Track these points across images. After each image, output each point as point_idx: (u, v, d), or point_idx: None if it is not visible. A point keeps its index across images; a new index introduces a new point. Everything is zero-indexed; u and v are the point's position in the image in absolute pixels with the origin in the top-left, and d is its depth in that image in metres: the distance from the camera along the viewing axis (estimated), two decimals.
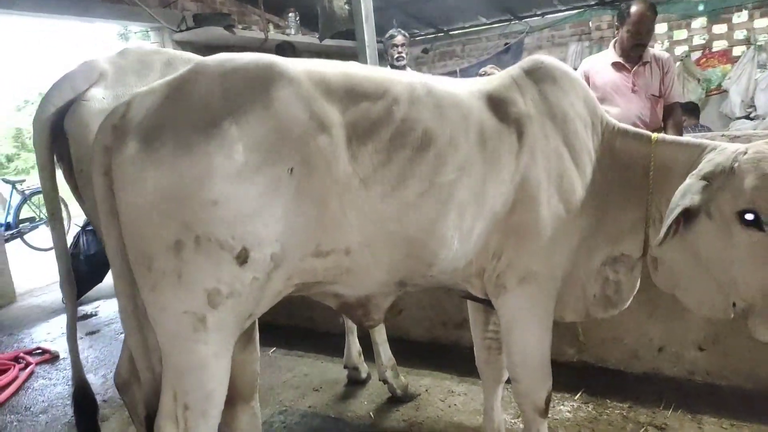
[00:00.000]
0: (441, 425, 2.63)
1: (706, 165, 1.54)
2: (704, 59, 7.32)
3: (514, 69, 1.86)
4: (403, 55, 4.79)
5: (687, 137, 1.76)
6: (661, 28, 7.58)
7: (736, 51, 7.07)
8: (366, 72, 1.65)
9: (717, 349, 2.69)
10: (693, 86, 7.56)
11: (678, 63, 7.36)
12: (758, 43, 6.84)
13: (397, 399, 2.85)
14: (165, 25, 5.91)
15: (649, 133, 1.80)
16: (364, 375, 3.05)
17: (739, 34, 7.14)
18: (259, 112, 1.39)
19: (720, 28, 7.20)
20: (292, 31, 6.96)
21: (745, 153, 1.48)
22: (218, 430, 1.73)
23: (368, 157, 1.50)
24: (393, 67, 4.78)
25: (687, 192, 1.50)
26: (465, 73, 7.91)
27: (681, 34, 7.63)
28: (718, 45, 7.29)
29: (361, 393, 2.98)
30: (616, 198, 1.78)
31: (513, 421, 2.61)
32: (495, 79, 1.86)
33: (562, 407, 2.69)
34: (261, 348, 3.58)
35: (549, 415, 2.59)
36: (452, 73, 8.06)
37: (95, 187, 1.41)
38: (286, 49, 5.60)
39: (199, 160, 1.32)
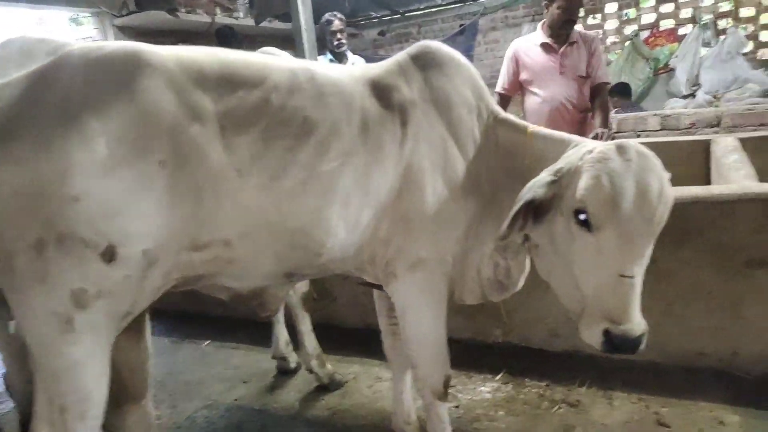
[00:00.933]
0: (364, 412, 2.64)
1: (561, 161, 1.53)
2: (652, 38, 7.39)
3: (402, 55, 1.85)
4: (343, 41, 4.71)
5: (558, 132, 1.74)
6: (611, 7, 7.63)
7: (683, 30, 7.15)
8: (245, 58, 1.61)
9: None
10: (642, 65, 7.65)
11: (628, 42, 7.44)
12: (703, 22, 6.93)
13: (324, 388, 2.86)
14: (105, 10, 5.74)
15: (525, 124, 1.79)
16: (293, 365, 3.05)
17: (686, 13, 7.22)
18: (123, 103, 1.35)
19: (667, 7, 7.27)
20: (241, 15, 6.82)
21: (591, 152, 1.46)
22: (106, 430, 1.72)
23: (244, 147, 1.47)
24: (333, 53, 4.72)
25: (533, 186, 1.49)
26: None
27: (632, 13, 7.69)
28: (666, 24, 7.36)
29: (289, 383, 2.98)
30: (502, 184, 1.79)
31: None
32: (381, 65, 1.85)
33: (482, 388, 2.73)
34: (195, 340, 3.62)
35: (469, 396, 2.67)
36: None
37: None
38: (226, 34, 5.48)
39: (58, 156, 1.28)
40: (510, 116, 1.85)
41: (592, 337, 1.45)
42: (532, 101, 3.90)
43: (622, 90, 6.13)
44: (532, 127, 1.75)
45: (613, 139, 3.50)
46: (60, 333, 1.34)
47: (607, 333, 1.39)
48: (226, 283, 1.64)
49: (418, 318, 1.80)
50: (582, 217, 1.43)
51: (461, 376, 2.84)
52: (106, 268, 1.34)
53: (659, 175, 1.41)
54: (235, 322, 3.70)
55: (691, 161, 3.35)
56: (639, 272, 1.41)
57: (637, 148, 1.44)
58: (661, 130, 4.63)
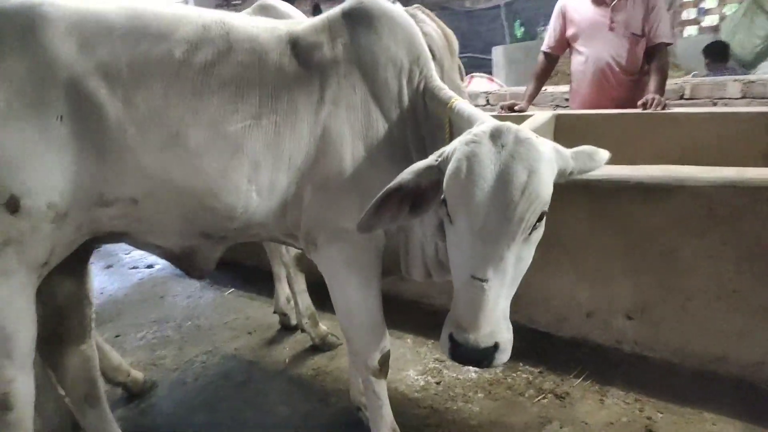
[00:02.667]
0: (346, 376, 2.62)
1: (451, 143, 1.32)
2: None
3: (334, 9, 1.68)
4: None
5: (477, 109, 1.50)
6: None
7: None
8: (157, 11, 1.54)
9: (646, 318, 2.48)
10: (762, 21, 6.72)
11: None
12: None
13: (316, 348, 2.87)
14: None
15: (450, 95, 1.56)
16: (294, 321, 3.09)
17: None
18: (19, 57, 1.35)
19: None
20: None
21: (469, 134, 1.26)
22: (52, 371, 1.84)
23: (145, 103, 1.43)
24: None
25: (405, 172, 1.31)
26: None
27: None
28: None
29: (287, 339, 3.03)
30: (435, 143, 1.61)
31: (417, 377, 2.57)
32: (310, 20, 1.70)
33: (471, 367, 2.61)
34: (220, 287, 3.77)
35: (455, 374, 2.57)
36: None
37: None
38: None
39: None
40: (439, 84, 1.62)
41: (441, 341, 1.24)
42: (576, 61, 3.54)
43: (716, 50, 5.36)
44: (455, 101, 1.52)
45: (664, 108, 3.11)
46: None
47: (451, 338, 1.20)
48: (153, 241, 1.65)
49: (344, 290, 1.71)
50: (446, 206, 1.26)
51: None
52: (11, 218, 1.38)
53: (532, 166, 1.17)
54: (261, 273, 3.79)
55: (753, 137, 2.87)
56: (495, 277, 1.17)
57: (519, 133, 1.22)
58: (742, 98, 4.00)
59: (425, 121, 1.62)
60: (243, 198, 1.54)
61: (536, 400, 2.34)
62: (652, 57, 3.27)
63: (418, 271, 1.78)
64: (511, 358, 2.58)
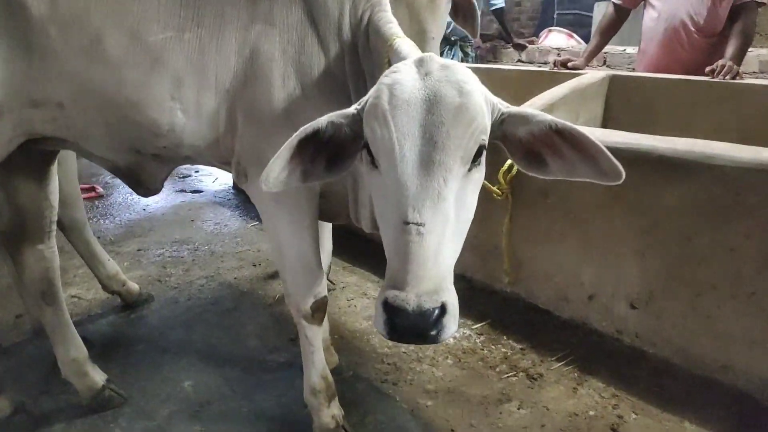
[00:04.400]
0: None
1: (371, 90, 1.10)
2: None
3: None
4: None
5: (419, 51, 1.24)
6: None
7: None
8: None
9: (650, 309, 2.19)
10: None
11: None
12: None
13: None
14: None
15: (393, 33, 1.34)
16: None
17: None
18: None
19: None
20: None
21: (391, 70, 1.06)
22: (14, 266, 1.95)
23: (68, 5, 1.41)
24: None
25: (322, 118, 1.12)
26: None
27: None
28: None
29: None
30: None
31: None
32: None
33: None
34: (246, 219, 3.85)
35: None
36: None
37: None
38: None
39: None
40: (387, 18, 1.40)
41: (375, 318, 0.97)
42: (648, 17, 3.11)
43: None
44: (398, 39, 1.31)
45: (735, 77, 2.68)
46: None
47: (386, 305, 0.92)
48: (93, 152, 1.66)
49: (275, 228, 1.63)
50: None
51: None
52: None
53: (462, 87, 0.99)
54: None
55: None
56: (434, 219, 0.96)
57: (445, 61, 1.04)
58: None
59: (366, 57, 1.45)
60: (167, 115, 1.49)
61: (505, 376, 2.18)
62: (736, 17, 2.79)
63: (366, 221, 1.65)
64: (496, 329, 2.50)
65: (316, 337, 1.78)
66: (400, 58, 1.22)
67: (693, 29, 2.87)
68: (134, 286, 2.73)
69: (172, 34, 1.43)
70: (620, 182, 1.09)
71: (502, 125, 1.13)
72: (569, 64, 3.26)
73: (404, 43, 1.30)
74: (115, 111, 1.50)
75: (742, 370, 1.98)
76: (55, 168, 1.90)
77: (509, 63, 5.28)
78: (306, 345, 1.78)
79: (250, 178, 1.57)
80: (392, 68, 1.06)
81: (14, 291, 2.71)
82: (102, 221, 3.90)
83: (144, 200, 4.32)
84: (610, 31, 3.32)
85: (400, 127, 0.98)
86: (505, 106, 1.13)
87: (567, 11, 10.15)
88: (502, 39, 5.56)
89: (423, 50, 1.28)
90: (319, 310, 1.73)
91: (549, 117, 1.09)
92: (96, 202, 4.28)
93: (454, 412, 1.99)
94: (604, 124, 3.27)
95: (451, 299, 0.95)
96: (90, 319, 2.63)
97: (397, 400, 2.06)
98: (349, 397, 2.04)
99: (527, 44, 5.31)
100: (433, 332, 0.91)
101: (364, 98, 1.10)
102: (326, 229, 2.25)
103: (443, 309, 0.92)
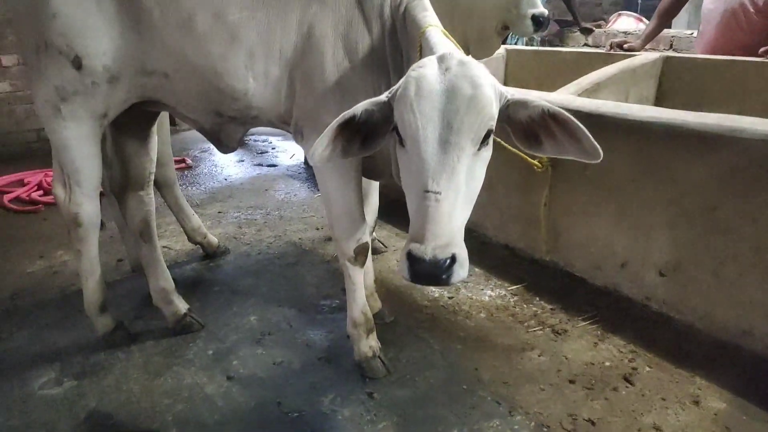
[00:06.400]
0: (375, 276, 2.88)
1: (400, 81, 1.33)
2: None
3: None
4: None
5: (446, 40, 1.47)
6: None
7: None
8: None
9: (677, 277, 2.31)
10: None
11: None
12: None
13: None
14: None
15: (428, 21, 1.55)
16: None
17: None
18: None
19: None
20: None
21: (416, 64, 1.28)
22: (119, 208, 2.37)
23: None
24: None
25: (358, 105, 1.33)
26: None
27: None
28: None
29: None
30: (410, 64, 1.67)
31: (434, 290, 2.72)
32: None
33: (488, 291, 2.70)
34: (313, 189, 4.21)
35: (470, 294, 2.69)
36: None
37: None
38: None
39: None
40: (420, 5, 1.63)
41: (400, 264, 1.20)
42: (707, 0, 3.11)
43: None
44: (429, 27, 1.53)
45: None
46: (54, 116, 1.91)
47: (409, 255, 1.15)
48: (186, 114, 2.02)
49: (324, 181, 1.91)
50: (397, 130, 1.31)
51: (485, 275, 2.83)
52: (76, 73, 1.83)
53: (475, 82, 1.21)
54: None
55: None
56: (448, 188, 1.19)
57: (462, 57, 1.25)
58: None
59: (404, 37, 1.70)
60: (242, 81, 1.82)
61: (532, 330, 2.37)
62: None
63: (389, 176, 1.91)
64: (530, 291, 2.69)
65: (358, 277, 2.07)
66: (430, 45, 1.48)
67: (752, 10, 2.87)
68: (214, 239, 3.15)
69: (247, 14, 1.75)
70: (599, 161, 1.28)
71: (507, 110, 1.34)
72: (625, 46, 3.33)
73: (433, 33, 1.54)
74: (203, 79, 1.84)
75: (761, 335, 2.07)
76: (155, 129, 2.30)
77: (575, 47, 5.30)
78: (349, 284, 2.07)
79: (305, 137, 1.88)
80: (418, 63, 1.29)
81: (116, 239, 3.22)
82: (190, 188, 4.40)
83: (225, 171, 4.82)
84: (668, 14, 3.35)
85: (424, 113, 1.21)
86: (510, 94, 1.34)
87: None
88: (570, 23, 5.57)
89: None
90: (361, 253, 2.02)
91: (544, 103, 1.30)
92: (186, 172, 4.81)
93: (479, 356, 2.22)
94: (658, 104, 3.32)
95: (460, 251, 1.17)
96: (177, 266, 3.07)
97: (430, 342, 2.31)
98: (388, 338, 2.32)
99: (594, 28, 5.31)
100: (444, 276, 1.15)
101: (394, 87, 1.33)
102: (373, 186, 2.53)
103: (453, 259, 1.14)
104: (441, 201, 1.18)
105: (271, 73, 1.82)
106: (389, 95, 1.34)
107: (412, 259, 1.15)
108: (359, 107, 1.34)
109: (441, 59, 1.27)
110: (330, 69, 1.74)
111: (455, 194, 1.20)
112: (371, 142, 1.42)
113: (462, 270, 1.17)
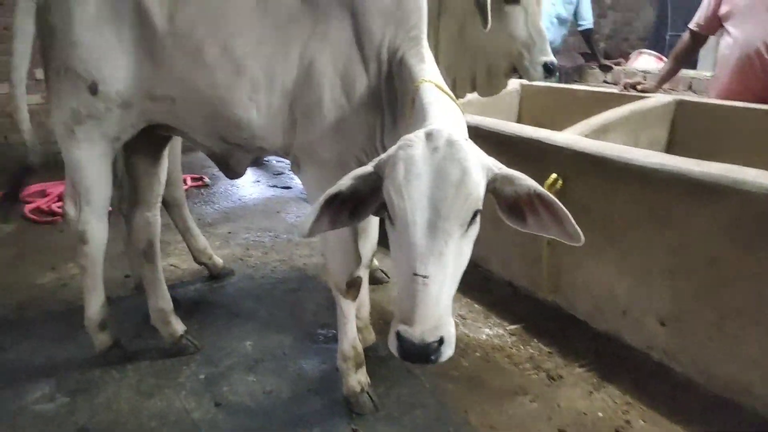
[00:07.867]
0: (379, 307, 2.88)
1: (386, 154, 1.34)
2: None
3: None
4: None
5: (436, 100, 1.48)
6: None
7: None
8: None
9: (678, 327, 2.25)
10: None
11: None
12: None
13: None
14: None
15: (422, 76, 1.57)
16: None
17: None
18: None
19: None
20: None
21: (403, 139, 1.29)
22: (125, 226, 2.43)
23: (181, 21, 1.82)
24: None
25: (344, 178, 1.35)
26: None
27: None
28: None
29: None
30: (403, 112, 1.68)
31: None
32: None
33: (486, 329, 2.67)
34: None
35: (467, 331, 2.68)
36: None
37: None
38: None
39: (66, 8, 1.85)
40: (417, 57, 1.66)
41: (390, 340, 1.24)
42: (723, 44, 3.11)
43: None
44: (423, 83, 1.53)
45: None
46: (68, 137, 2.00)
47: (398, 336, 1.19)
48: (195, 138, 2.07)
49: None
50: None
51: (485, 313, 2.81)
52: (92, 98, 1.91)
53: (464, 166, 1.22)
54: None
55: None
56: (436, 272, 1.20)
57: (450, 136, 1.26)
58: None
59: (399, 79, 1.73)
60: (246, 111, 1.86)
61: (526, 373, 2.34)
62: None
63: None
64: (529, 332, 2.65)
65: (350, 310, 2.07)
66: (423, 104, 1.50)
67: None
68: (219, 261, 3.19)
69: (252, 49, 1.80)
70: (580, 245, 1.30)
71: (494, 183, 1.33)
72: (639, 87, 3.31)
73: (429, 89, 1.55)
74: (209, 106, 1.89)
75: (761, 394, 2.01)
76: (166, 152, 2.36)
77: (594, 84, 5.29)
78: (341, 316, 2.08)
79: (301, 169, 1.91)
80: (406, 140, 1.29)
81: (124, 256, 3.28)
82: (204, 207, 4.48)
83: (240, 191, 4.89)
84: (684, 56, 3.34)
85: (413, 198, 1.22)
86: (498, 168, 1.33)
87: (680, 33, 9.76)
88: (589, 59, 5.58)
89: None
90: (353, 287, 2.02)
91: (531, 182, 1.31)
92: (202, 190, 4.90)
93: (470, 397, 2.19)
94: (670, 149, 3.28)
95: (447, 331, 1.20)
96: (182, 284, 3.12)
97: (422, 380, 2.29)
98: (381, 372, 2.30)
99: (613, 65, 5.30)
100: (433, 357, 1.18)
101: (380, 157, 1.35)
102: (373, 221, 2.54)
103: (441, 341, 1.18)
104: (429, 285, 1.19)
105: (273, 105, 1.86)
106: (375, 166, 1.35)
107: (401, 339, 1.19)
108: (344, 182, 1.35)
109: (429, 137, 1.27)
110: (328, 105, 1.77)
111: (443, 277, 1.21)
112: (360, 213, 1.43)
113: (449, 349, 1.21)
